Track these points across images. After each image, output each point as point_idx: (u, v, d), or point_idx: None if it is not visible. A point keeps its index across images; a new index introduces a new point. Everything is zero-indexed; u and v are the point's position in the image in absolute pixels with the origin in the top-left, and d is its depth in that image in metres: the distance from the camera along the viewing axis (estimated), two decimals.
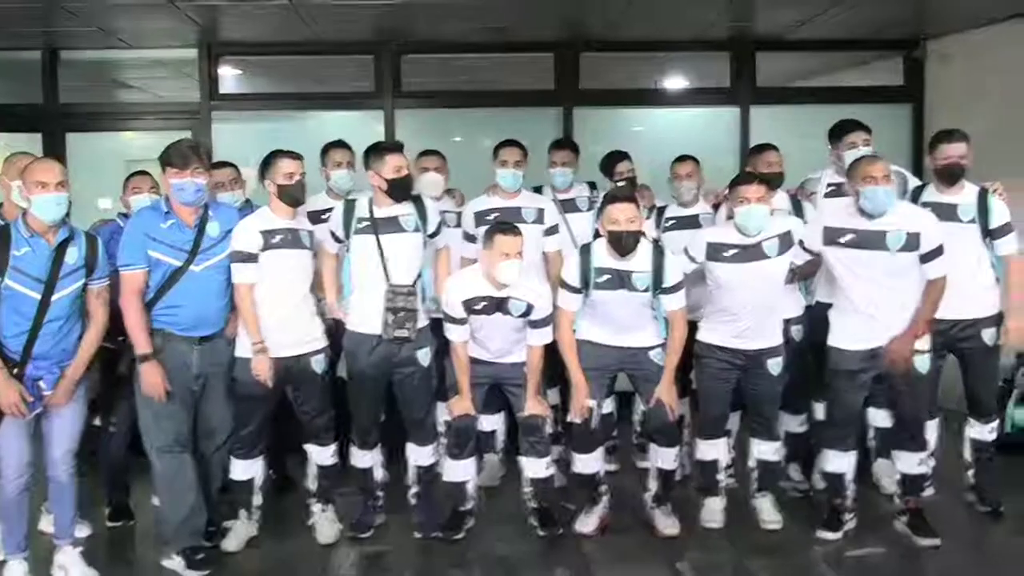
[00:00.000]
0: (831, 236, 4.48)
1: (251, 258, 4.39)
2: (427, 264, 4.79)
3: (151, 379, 4.23)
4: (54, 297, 4.01)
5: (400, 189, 4.60)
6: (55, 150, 7.08)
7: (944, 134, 4.77)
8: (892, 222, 4.36)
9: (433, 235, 4.73)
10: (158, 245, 4.26)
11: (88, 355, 4.15)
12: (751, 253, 4.54)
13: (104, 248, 4.22)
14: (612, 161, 5.62)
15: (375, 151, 4.69)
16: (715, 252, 4.61)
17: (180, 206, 4.30)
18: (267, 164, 4.55)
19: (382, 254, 4.55)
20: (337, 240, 4.68)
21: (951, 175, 4.72)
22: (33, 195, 3.94)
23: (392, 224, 4.59)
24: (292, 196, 4.50)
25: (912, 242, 4.35)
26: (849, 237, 4.42)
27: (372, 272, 4.57)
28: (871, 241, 4.37)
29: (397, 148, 4.69)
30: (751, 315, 4.59)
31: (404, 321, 4.55)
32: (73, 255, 4.07)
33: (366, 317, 4.58)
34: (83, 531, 4.59)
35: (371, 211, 4.61)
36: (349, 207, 4.67)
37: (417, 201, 4.71)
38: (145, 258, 4.25)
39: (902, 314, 4.42)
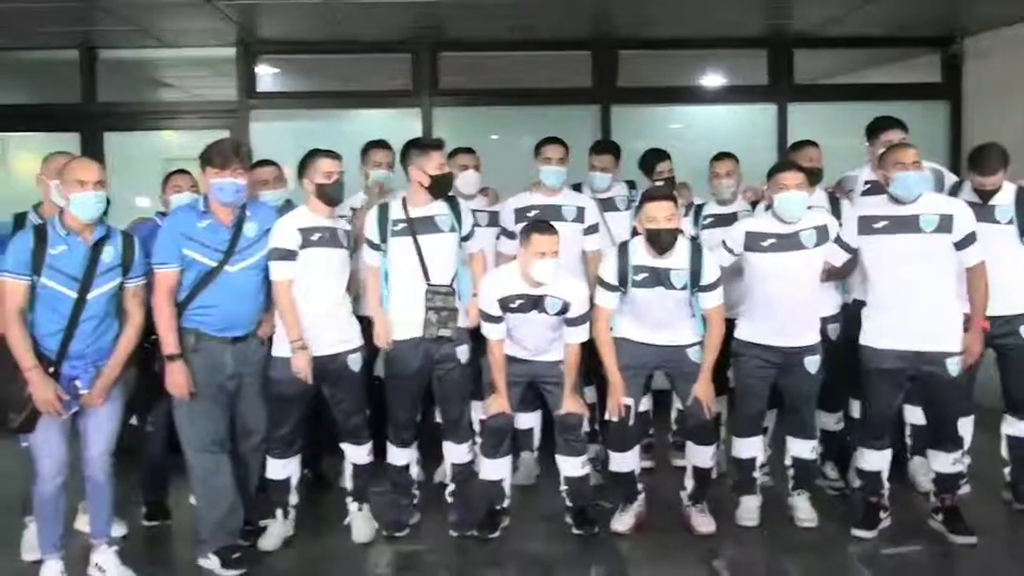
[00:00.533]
0: (866, 225, 4.51)
1: (290, 255, 4.40)
2: (462, 263, 4.79)
3: (176, 379, 4.24)
4: (90, 296, 4.03)
5: (442, 186, 4.61)
6: (93, 149, 7.17)
7: (979, 162, 4.67)
8: (924, 206, 4.41)
9: (466, 237, 4.72)
10: (193, 244, 4.26)
11: (125, 354, 4.18)
12: (789, 242, 4.55)
13: (141, 247, 4.25)
14: (651, 160, 5.62)
15: (418, 146, 4.67)
16: (753, 242, 4.62)
17: (219, 206, 4.32)
18: (306, 163, 4.56)
19: (420, 255, 4.57)
20: (374, 247, 4.64)
21: (985, 197, 4.69)
22: (72, 194, 3.98)
23: (428, 224, 4.60)
24: (330, 195, 4.51)
25: (945, 224, 4.38)
26: (883, 224, 4.46)
27: (411, 274, 4.58)
28: (904, 224, 4.41)
29: (440, 145, 4.70)
30: (788, 309, 4.58)
31: (447, 320, 4.57)
32: (109, 254, 4.10)
33: (406, 323, 4.59)
34: (120, 530, 4.62)
35: (406, 211, 4.61)
36: (382, 211, 4.65)
37: (451, 201, 4.72)
38: (179, 257, 4.26)
39: (934, 306, 4.42)
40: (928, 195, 4.49)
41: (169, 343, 4.25)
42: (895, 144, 4.61)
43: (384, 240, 4.60)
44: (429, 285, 4.57)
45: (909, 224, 4.40)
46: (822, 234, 4.58)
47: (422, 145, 4.68)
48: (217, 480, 4.35)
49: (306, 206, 4.56)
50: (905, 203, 4.42)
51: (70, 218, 4.03)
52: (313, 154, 4.57)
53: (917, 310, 4.42)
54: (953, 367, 4.45)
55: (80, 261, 4.02)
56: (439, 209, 4.64)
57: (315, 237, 4.46)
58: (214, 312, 4.31)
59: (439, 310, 4.57)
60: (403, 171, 4.71)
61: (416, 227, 4.58)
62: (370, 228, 4.64)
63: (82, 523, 4.65)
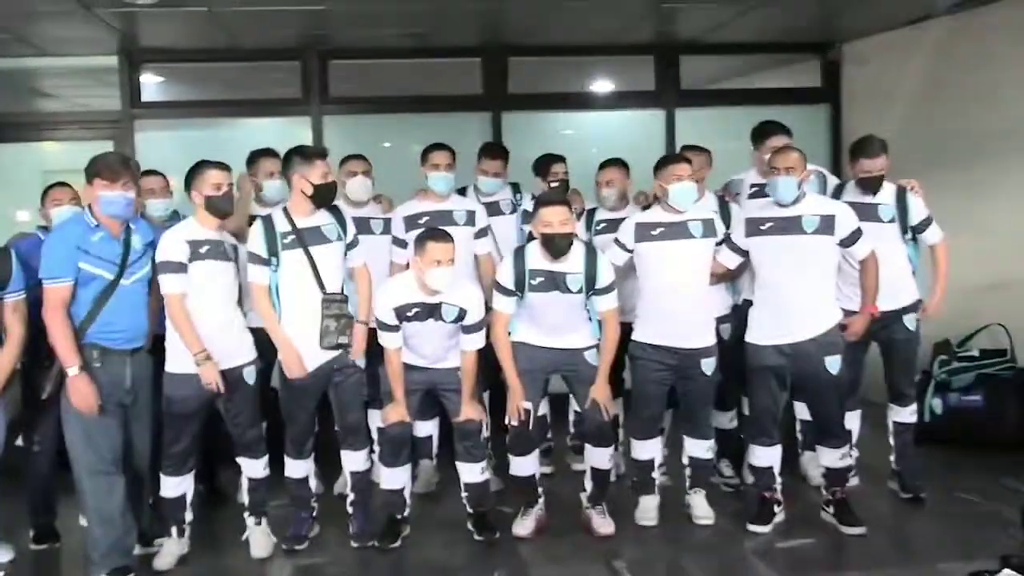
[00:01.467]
0: (753, 227, 4.67)
1: (180, 268, 4.30)
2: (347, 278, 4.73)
3: (83, 391, 4.08)
4: None
5: (325, 196, 4.54)
6: None
7: (862, 147, 4.90)
8: (806, 207, 4.57)
9: (351, 245, 4.65)
10: (90, 258, 4.13)
11: (6, 373, 4.04)
12: (677, 231, 4.67)
13: (19, 261, 4.12)
14: (547, 163, 5.63)
15: (301, 155, 4.57)
16: (643, 231, 4.73)
17: (108, 219, 4.19)
18: (193, 174, 4.46)
19: (314, 266, 4.50)
20: (263, 262, 4.48)
21: (871, 186, 4.88)
22: None
23: (317, 235, 4.53)
24: (219, 208, 4.42)
25: (826, 225, 4.54)
26: (768, 225, 4.61)
27: (305, 285, 4.49)
28: (787, 226, 4.56)
29: (324, 153, 4.63)
30: (680, 301, 4.66)
31: (345, 328, 4.52)
32: None
33: (300, 343, 4.50)
34: (6, 555, 4.48)
35: (292, 223, 4.53)
36: (267, 224, 4.51)
37: (334, 209, 4.67)
38: (73, 271, 4.10)
39: (812, 305, 4.59)
40: (811, 197, 4.65)
41: (69, 356, 4.09)
42: (778, 148, 4.74)
43: (274, 254, 4.49)
44: (325, 294, 4.51)
45: (792, 225, 4.55)
46: (708, 227, 4.73)
47: (306, 154, 4.59)
48: (111, 502, 4.20)
49: (193, 218, 4.46)
50: (787, 205, 4.56)
51: None
52: (201, 165, 4.48)
53: (795, 308, 4.57)
54: (832, 365, 4.59)
55: None
56: (324, 219, 4.58)
57: (203, 250, 4.36)
58: (116, 325, 4.20)
59: (337, 318, 4.51)
60: (286, 180, 4.65)
61: (305, 238, 4.50)
62: (256, 244, 4.50)
63: None
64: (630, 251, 4.78)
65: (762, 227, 4.63)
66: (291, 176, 4.55)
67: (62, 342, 4.09)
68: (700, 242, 4.70)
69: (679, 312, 4.66)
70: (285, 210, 4.57)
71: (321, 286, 4.51)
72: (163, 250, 4.31)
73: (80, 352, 4.12)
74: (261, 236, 4.48)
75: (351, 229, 4.67)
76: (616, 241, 4.83)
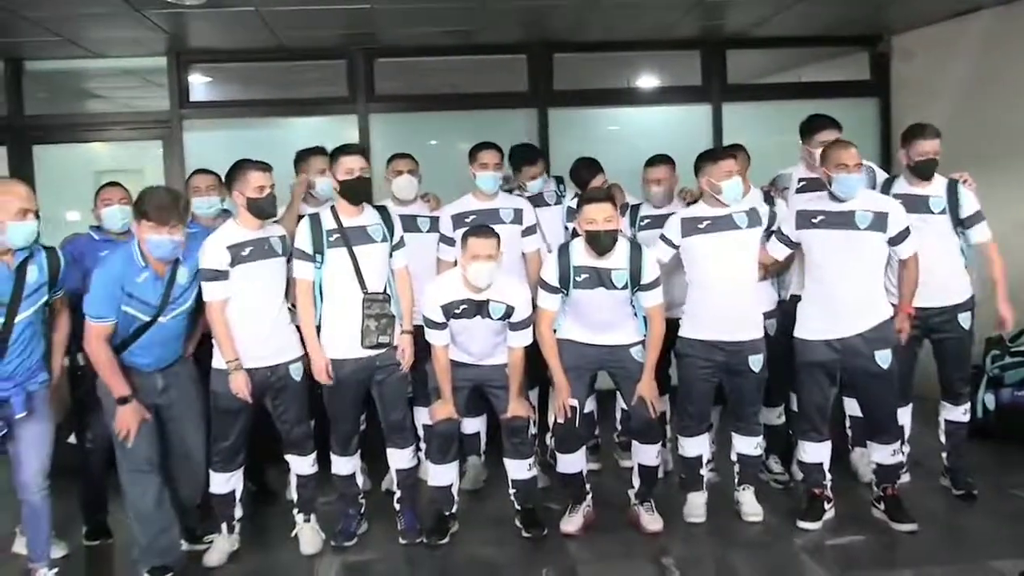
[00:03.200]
0: (804, 219, 4.62)
1: (220, 275, 4.33)
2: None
3: (128, 421, 4.16)
4: (17, 319, 3.95)
5: (353, 191, 4.55)
6: (21, 163, 7.03)
7: (918, 129, 4.83)
8: (859, 204, 4.52)
9: (397, 246, 4.67)
10: (133, 301, 4.14)
11: (62, 352, 4.19)
12: (723, 223, 4.66)
13: (72, 263, 4.17)
14: (584, 175, 5.53)
15: (328, 153, 4.66)
16: (689, 226, 4.71)
17: (155, 260, 4.16)
18: (234, 173, 4.47)
19: (356, 265, 4.53)
20: (309, 259, 4.53)
21: (926, 170, 4.80)
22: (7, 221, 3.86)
23: (362, 234, 4.56)
24: (263, 210, 4.43)
25: (879, 222, 4.50)
26: (820, 218, 4.57)
27: (347, 283, 4.53)
28: (840, 220, 4.52)
29: (348, 149, 4.63)
30: (728, 294, 4.64)
31: (386, 328, 4.54)
32: (34, 274, 4.01)
33: (343, 336, 4.54)
34: (60, 551, 4.54)
35: (338, 222, 4.57)
36: (314, 222, 4.56)
37: (382, 210, 4.69)
38: (116, 312, 4.12)
39: (862, 300, 4.55)
40: (864, 192, 4.60)
41: (119, 387, 4.15)
42: (836, 142, 4.67)
43: (319, 251, 4.53)
44: (366, 294, 4.53)
45: (844, 221, 4.51)
46: (752, 216, 4.71)
47: (333, 151, 4.65)
48: (145, 500, 4.24)
49: (234, 220, 4.49)
50: (843, 201, 4.52)
51: None
52: (242, 165, 4.47)
53: (845, 303, 4.53)
54: (883, 359, 4.54)
55: (4, 286, 3.91)
56: (370, 219, 4.61)
57: (246, 251, 4.38)
58: (144, 355, 4.27)
59: (378, 317, 4.54)
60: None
61: (350, 237, 4.54)
62: (302, 240, 4.55)
63: (19, 546, 4.58)
64: (676, 247, 4.76)
65: (814, 220, 4.59)
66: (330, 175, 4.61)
67: (108, 373, 4.15)
68: (746, 232, 4.68)
69: (728, 305, 4.64)
70: (333, 208, 4.60)
71: (363, 285, 4.53)
72: (204, 256, 4.33)
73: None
74: (308, 233, 4.53)
75: (398, 231, 4.69)
76: (662, 237, 4.81)
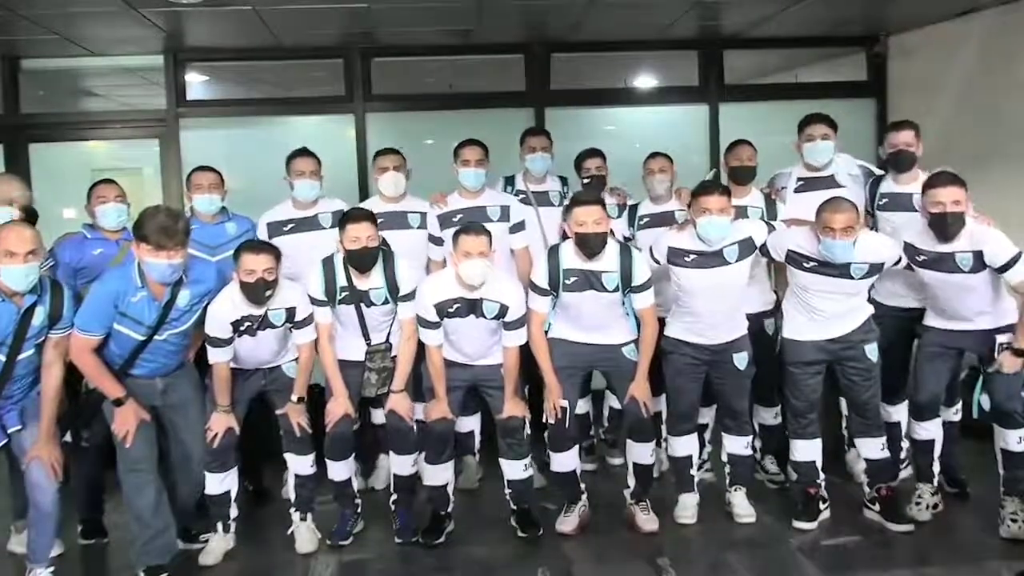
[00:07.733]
0: (795, 259, 4.58)
1: (225, 343, 4.41)
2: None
3: (127, 421, 4.18)
4: (19, 358, 3.98)
5: (357, 261, 4.53)
6: (17, 161, 7.00)
7: (892, 124, 4.95)
8: (857, 255, 4.43)
9: (404, 298, 4.63)
10: (125, 320, 4.14)
11: (53, 405, 4.11)
12: (711, 259, 4.59)
13: (71, 297, 4.14)
14: (581, 157, 5.59)
15: (341, 219, 4.62)
16: (676, 256, 4.66)
17: (152, 283, 4.14)
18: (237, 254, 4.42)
19: (363, 321, 4.63)
20: (322, 304, 4.58)
21: (901, 162, 4.84)
22: (2, 264, 3.85)
23: (367, 297, 4.61)
24: (253, 295, 4.36)
25: (873, 270, 4.51)
26: (812, 264, 4.53)
27: (351, 332, 4.66)
28: (834, 267, 4.46)
29: (357, 217, 4.56)
30: (711, 315, 4.65)
31: (386, 380, 4.66)
32: (40, 316, 4.01)
33: (347, 347, 4.65)
34: (56, 549, 4.51)
35: (349, 280, 4.58)
36: (328, 272, 4.57)
37: (388, 264, 4.63)
38: (104, 329, 4.12)
39: (847, 312, 4.60)
40: (860, 241, 4.42)
41: (112, 389, 4.18)
42: (833, 200, 4.48)
43: (331, 298, 4.58)
44: (370, 346, 4.62)
45: (839, 267, 4.47)
46: (744, 247, 4.62)
47: (342, 218, 4.61)
48: (142, 501, 4.24)
49: (234, 291, 4.42)
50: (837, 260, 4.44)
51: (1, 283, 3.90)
52: (239, 249, 4.44)
53: (829, 316, 4.59)
54: (872, 352, 4.56)
55: (7, 326, 3.92)
56: (376, 282, 4.60)
57: (244, 326, 4.44)
58: (141, 369, 4.29)
59: (379, 371, 4.65)
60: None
61: (360, 297, 4.60)
62: (315, 288, 4.57)
63: (14, 544, 4.60)
64: (662, 266, 4.73)
65: (806, 264, 4.56)
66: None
67: (98, 378, 4.19)
68: (735, 266, 4.62)
69: (713, 323, 4.66)
70: (345, 262, 4.58)
71: (367, 338, 4.62)
72: (208, 327, 4.38)
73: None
74: (320, 283, 4.56)
75: (404, 288, 4.63)
76: (650, 251, 4.77)
